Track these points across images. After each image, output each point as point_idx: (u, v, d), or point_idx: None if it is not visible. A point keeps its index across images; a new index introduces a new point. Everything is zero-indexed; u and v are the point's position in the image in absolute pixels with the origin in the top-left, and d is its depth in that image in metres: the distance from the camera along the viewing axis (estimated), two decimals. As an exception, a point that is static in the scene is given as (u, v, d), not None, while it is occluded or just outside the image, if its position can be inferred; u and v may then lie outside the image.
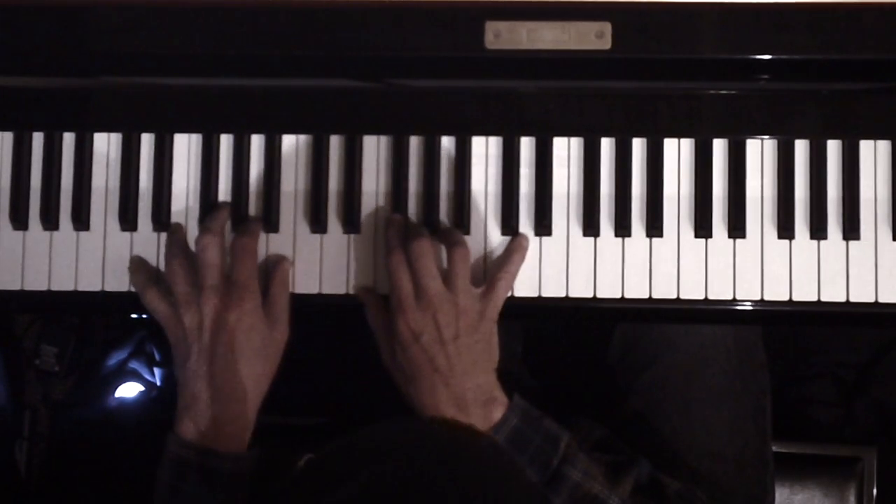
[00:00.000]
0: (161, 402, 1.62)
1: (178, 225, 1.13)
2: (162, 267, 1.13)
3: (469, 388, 1.05)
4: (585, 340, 1.35)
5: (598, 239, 1.13)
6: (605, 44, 1.05)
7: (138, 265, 1.13)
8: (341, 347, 1.35)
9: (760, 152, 1.14)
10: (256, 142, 1.16)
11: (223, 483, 1.03)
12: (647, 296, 1.13)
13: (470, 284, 1.08)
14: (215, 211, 1.13)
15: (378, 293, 1.12)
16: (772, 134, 1.13)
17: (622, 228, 1.13)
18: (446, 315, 1.05)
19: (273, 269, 1.12)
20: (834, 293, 1.12)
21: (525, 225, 1.14)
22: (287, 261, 1.13)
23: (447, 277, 1.07)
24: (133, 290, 1.13)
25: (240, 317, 1.06)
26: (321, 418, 1.28)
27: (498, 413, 1.05)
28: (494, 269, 1.11)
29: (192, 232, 1.14)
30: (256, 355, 1.06)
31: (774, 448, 1.25)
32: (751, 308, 1.13)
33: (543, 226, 1.13)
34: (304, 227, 1.14)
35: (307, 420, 1.28)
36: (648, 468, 1.10)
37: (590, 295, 1.13)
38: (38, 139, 1.16)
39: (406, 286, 1.07)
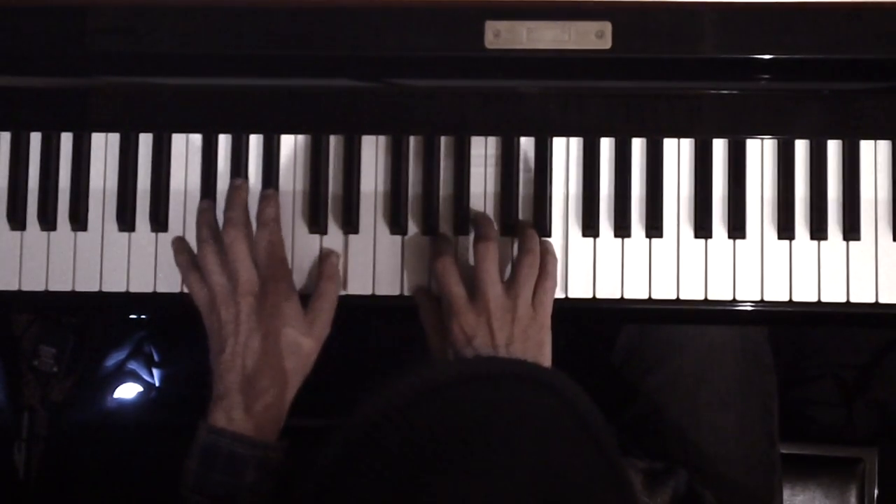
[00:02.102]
0: (160, 404, 1.61)
1: (209, 202, 1.12)
2: (163, 266, 1.13)
3: None
4: (589, 342, 1.34)
5: (597, 239, 1.13)
6: (605, 44, 1.05)
7: (182, 246, 1.12)
8: (341, 348, 1.35)
9: (760, 152, 1.13)
10: (255, 142, 1.15)
11: (251, 472, 1.03)
12: (646, 296, 1.12)
13: (530, 294, 1.07)
14: (232, 195, 1.11)
15: (431, 293, 1.12)
16: (772, 134, 1.13)
17: (622, 229, 1.13)
18: (500, 320, 1.05)
19: (320, 264, 1.12)
20: (834, 294, 1.12)
21: (524, 225, 1.13)
22: (335, 254, 1.13)
23: (511, 284, 1.07)
24: (132, 291, 1.14)
25: (275, 310, 1.05)
26: (320, 419, 1.28)
27: None
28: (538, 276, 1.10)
29: (191, 233, 1.13)
30: (291, 347, 1.06)
31: (775, 449, 1.25)
32: (751, 309, 1.13)
33: (542, 226, 1.13)
34: (302, 228, 1.14)
35: (306, 421, 1.27)
36: (686, 478, 1.09)
37: (589, 296, 1.13)
38: (35, 139, 1.16)
39: (456, 289, 1.06)
